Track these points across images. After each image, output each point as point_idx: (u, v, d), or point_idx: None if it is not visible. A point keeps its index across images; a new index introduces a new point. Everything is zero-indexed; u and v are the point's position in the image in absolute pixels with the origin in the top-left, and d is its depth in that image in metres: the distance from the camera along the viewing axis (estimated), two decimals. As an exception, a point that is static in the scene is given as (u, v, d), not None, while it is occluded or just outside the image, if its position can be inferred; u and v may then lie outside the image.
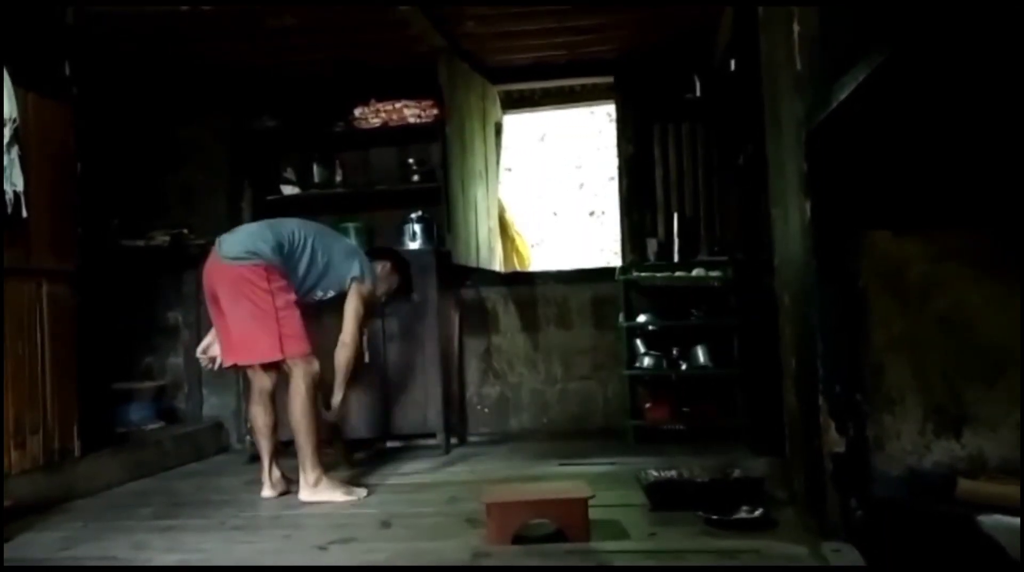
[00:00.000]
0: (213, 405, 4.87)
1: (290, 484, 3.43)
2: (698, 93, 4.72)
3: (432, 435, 4.33)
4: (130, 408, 4.54)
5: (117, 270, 4.53)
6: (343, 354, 3.49)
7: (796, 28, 2.37)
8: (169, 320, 4.92)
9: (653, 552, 2.36)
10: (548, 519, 2.51)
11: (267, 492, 3.41)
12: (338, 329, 3.54)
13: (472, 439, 4.72)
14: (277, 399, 3.45)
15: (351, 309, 3.49)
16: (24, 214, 3.29)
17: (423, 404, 4.31)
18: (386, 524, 2.85)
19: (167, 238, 4.71)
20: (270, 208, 4.95)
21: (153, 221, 4.79)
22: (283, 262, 3.32)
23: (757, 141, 3.22)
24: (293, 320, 3.27)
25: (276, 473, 3.46)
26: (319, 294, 3.49)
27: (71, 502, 3.39)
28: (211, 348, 3.53)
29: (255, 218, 4.88)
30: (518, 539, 2.46)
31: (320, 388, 3.36)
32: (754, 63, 3.14)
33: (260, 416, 3.46)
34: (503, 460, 4.07)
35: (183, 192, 4.92)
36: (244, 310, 3.25)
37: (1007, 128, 1.88)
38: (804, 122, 2.25)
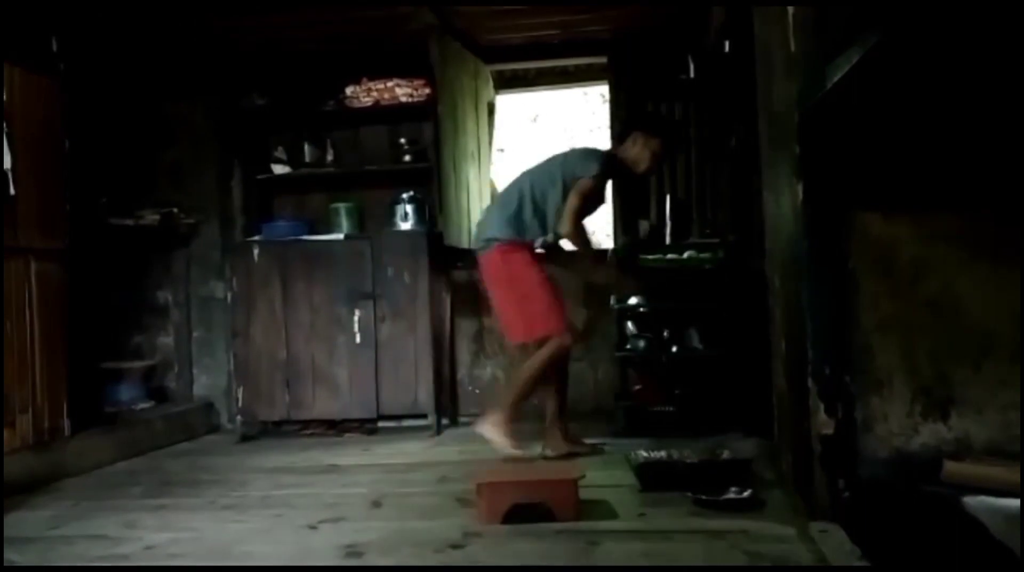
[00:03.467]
0: (203, 385, 4.86)
1: (575, 447, 3.52)
2: (692, 74, 4.69)
3: (423, 416, 4.34)
4: (120, 387, 4.53)
5: (106, 248, 4.49)
6: (577, 245, 3.55)
7: (791, 9, 2.36)
8: (159, 299, 4.89)
9: (642, 532, 2.38)
10: (538, 499, 2.53)
11: (547, 452, 3.50)
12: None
13: (463, 420, 4.72)
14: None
15: (569, 206, 3.45)
16: (11, 192, 3.26)
17: (414, 385, 4.32)
18: (376, 503, 2.86)
19: (156, 217, 4.68)
20: (260, 187, 4.93)
21: (142, 199, 4.75)
22: (521, 230, 3.47)
23: (750, 122, 3.21)
24: (537, 300, 3.42)
25: (556, 433, 3.52)
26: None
27: (61, 481, 3.39)
28: None
29: (245, 197, 4.90)
30: (508, 518, 2.47)
31: (560, 361, 3.50)
32: (748, 44, 3.13)
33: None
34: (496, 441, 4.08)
35: (172, 170, 4.88)
36: (495, 294, 3.55)
37: (1002, 111, 1.88)
38: (797, 104, 2.24)
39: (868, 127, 2.07)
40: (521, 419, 3.56)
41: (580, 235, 3.54)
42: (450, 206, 4.51)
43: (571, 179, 3.50)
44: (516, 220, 3.49)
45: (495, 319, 4.80)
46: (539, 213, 3.52)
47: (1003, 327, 2.18)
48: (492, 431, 3.39)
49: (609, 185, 3.78)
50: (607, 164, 3.55)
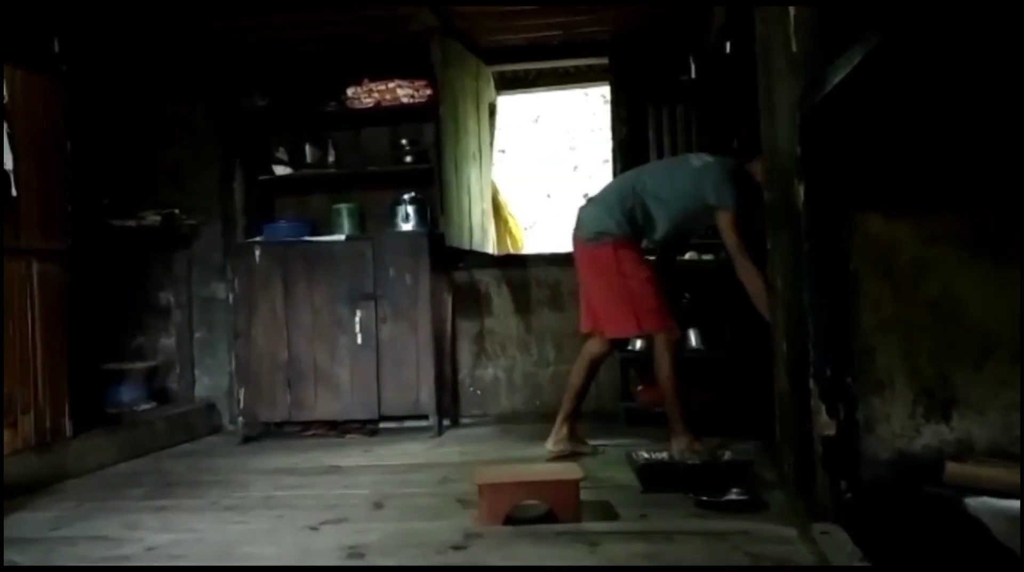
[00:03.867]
0: (205, 386, 4.86)
1: (577, 447, 3.53)
2: (693, 75, 4.70)
3: (425, 416, 4.34)
4: (121, 389, 4.53)
5: (108, 250, 4.50)
6: (750, 287, 3.30)
7: (792, 9, 2.36)
8: (160, 300, 4.89)
9: (644, 533, 2.38)
10: (539, 500, 2.53)
11: (548, 444, 3.52)
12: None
13: (464, 421, 4.73)
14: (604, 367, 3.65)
15: (729, 244, 3.34)
16: (13, 193, 3.26)
17: (416, 386, 4.32)
18: (378, 505, 2.86)
19: (158, 218, 4.68)
20: (261, 188, 4.94)
21: (143, 200, 4.75)
22: (636, 229, 3.43)
23: (751, 123, 3.21)
24: (648, 296, 3.38)
25: (564, 431, 3.54)
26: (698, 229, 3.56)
27: (63, 482, 3.39)
28: None
29: (246, 198, 4.90)
30: (509, 520, 2.47)
31: (681, 353, 3.47)
32: (749, 45, 3.12)
33: (574, 375, 3.61)
34: (495, 442, 4.09)
35: (173, 171, 4.88)
36: (600, 287, 3.47)
37: (1002, 112, 1.88)
38: (798, 104, 2.24)
39: (869, 128, 2.07)
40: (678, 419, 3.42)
41: (755, 274, 3.24)
42: (451, 207, 4.51)
43: (704, 203, 3.37)
44: (629, 219, 3.44)
45: (494, 320, 4.84)
46: (648, 217, 3.44)
47: (1004, 327, 2.17)
48: (683, 446, 3.30)
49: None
50: (740, 186, 3.35)
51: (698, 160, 3.53)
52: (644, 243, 3.53)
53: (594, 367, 3.60)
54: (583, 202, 3.63)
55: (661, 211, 3.44)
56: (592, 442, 3.70)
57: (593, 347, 3.59)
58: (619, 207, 3.45)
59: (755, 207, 3.24)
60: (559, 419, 3.57)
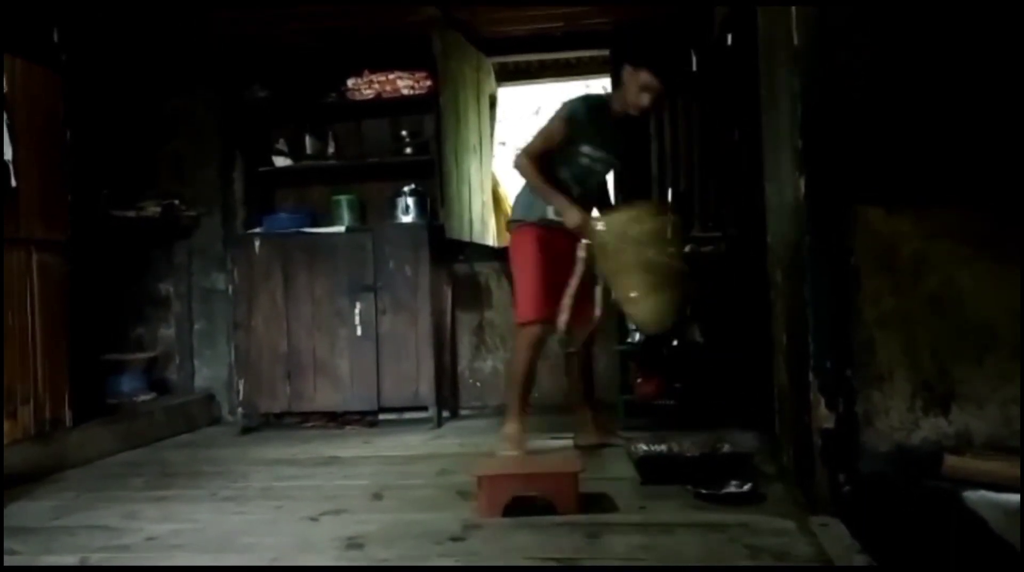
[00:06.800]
0: (205, 377, 4.87)
1: (606, 437, 3.54)
2: (695, 67, 4.68)
3: (424, 408, 4.34)
4: (121, 379, 4.53)
5: (108, 240, 4.49)
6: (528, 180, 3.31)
7: (794, 3, 2.35)
8: (160, 291, 4.90)
9: (642, 525, 2.38)
10: (538, 492, 2.53)
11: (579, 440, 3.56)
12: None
13: (464, 412, 4.73)
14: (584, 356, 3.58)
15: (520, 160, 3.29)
16: (12, 183, 3.26)
17: (415, 377, 4.32)
18: (377, 496, 2.86)
19: (158, 209, 4.67)
20: (262, 179, 4.93)
21: (143, 191, 4.75)
22: (528, 207, 3.35)
23: (753, 116, 3.20)
24: (525, 282, 3.33)
25: (584, 424, 3.57)
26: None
27: (63, 472, 3.40)
28: None
29: (247, 189, 4.89)
30: (508, 511, 2.47)
31: (534, 349, 3.39)
32: (751, 38, 3.12)
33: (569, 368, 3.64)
34: (494, 433, 4.08)
35: (173, 162, 4.87)
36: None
37: (1005, 107, 1.87)
38: (800, 97, 2.24)
39: (871, 121, 2.07)
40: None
41: (527, 172, 3.26)
42: (451, 199, 4.51)
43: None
44: (522, 196, 3.43)
45: (494, 312, 4.83)
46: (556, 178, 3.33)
47: (1004, 322, 2.18)
48: (503, 444, 3.36)
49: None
50: (581, 107, 3.27)
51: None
52: (551, 211, 3.35)
53: (576, 357, 3.59)
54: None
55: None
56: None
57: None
58: (518, 192, 3.44)
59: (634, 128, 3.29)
60: (575, 413, 3.62)
